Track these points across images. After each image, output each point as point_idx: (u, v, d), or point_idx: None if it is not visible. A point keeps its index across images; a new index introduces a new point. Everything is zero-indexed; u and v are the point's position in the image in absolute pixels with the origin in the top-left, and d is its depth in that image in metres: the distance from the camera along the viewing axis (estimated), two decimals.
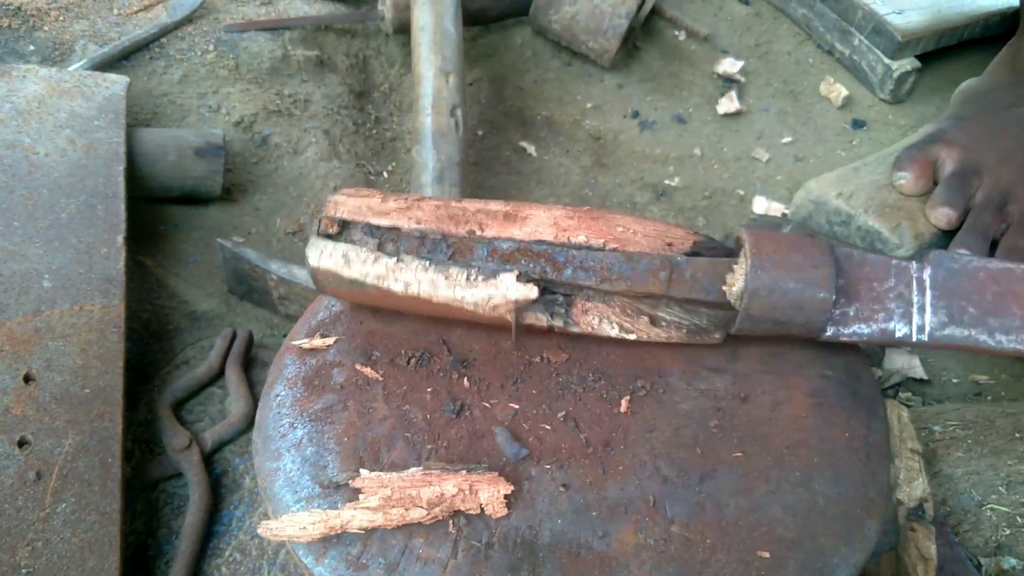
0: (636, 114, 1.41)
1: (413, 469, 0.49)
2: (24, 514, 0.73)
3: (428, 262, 0.54)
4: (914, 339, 0.54)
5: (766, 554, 0.47)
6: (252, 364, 0.97)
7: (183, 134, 1.07)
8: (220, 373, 0.96)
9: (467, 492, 0.48)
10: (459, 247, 0.55)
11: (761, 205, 1.30)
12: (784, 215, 1.27)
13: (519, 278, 0.54)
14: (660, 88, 1.45)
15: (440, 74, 1.19)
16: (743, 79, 1.48)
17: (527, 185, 1.29)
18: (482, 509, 0.48)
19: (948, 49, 1.50)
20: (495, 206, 0.57)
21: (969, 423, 0.92)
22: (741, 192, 1.33)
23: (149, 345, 0.97)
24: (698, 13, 1.56)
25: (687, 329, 0.56)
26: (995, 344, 0.53)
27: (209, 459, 0.89)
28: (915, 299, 0.54)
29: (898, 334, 0.54)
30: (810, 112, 1.47)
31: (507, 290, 0.53)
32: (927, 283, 0.54)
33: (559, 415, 0.54)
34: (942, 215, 1.15)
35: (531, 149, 1.34)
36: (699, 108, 1.44)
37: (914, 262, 0.54)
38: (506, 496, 0.49)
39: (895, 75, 1.44)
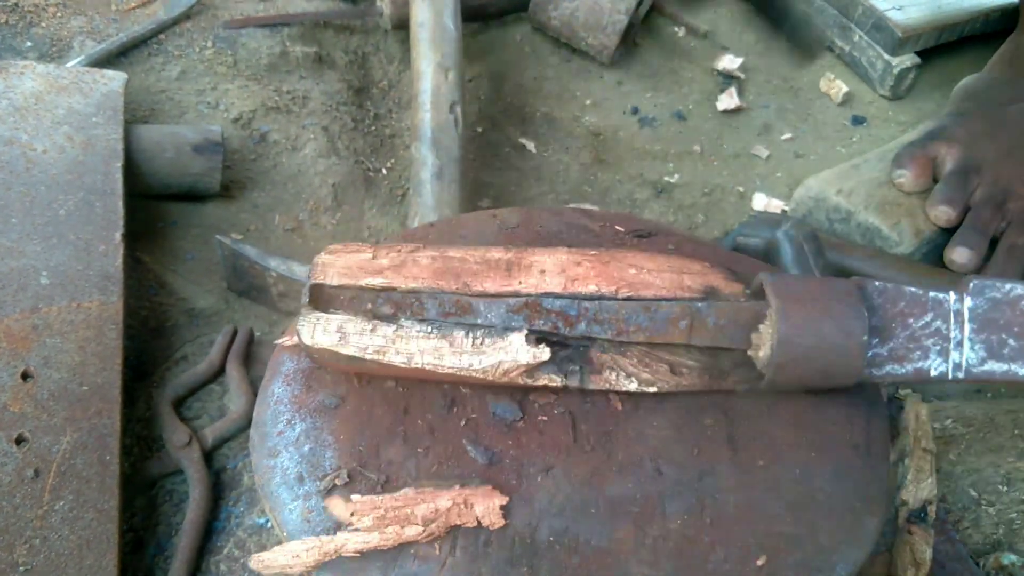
0: (636, 111, 1.41)
1: (405, 489, 0.48)
2: (22, 512, 0.73)
3: (429, 327, 0.52)
4: (950, 376, 0.51)
5: (763, 557, 0.47)
6: (253, 361, 0.97)
7: (181, 131, 1.07)
8: (221, 370, 0.96)
9: (462, 506, 0.47)
10: (462, 307, 0.53)
11: (761, 202, 1.30)
12: (784, 212, 1.27)
13: (528, 339, 0.52)
14: (660, 85, 1.45)
15: (439, 70, 1.19)
16: (743, 76, 1.48)
17: (526, 182, 1.29)
18: (479, 522, 0.47)
19: (948, 45, 1.50)
20: (496, 254, 0.55)
21: (969, 420, 0.92)
22: (741, 189, 1.33)
23: (147, 342, 0.97)
24: (698, 9, 1.56)
25: (709, 375, 0.55)
26: None
27: (210, 456, 0.89)
28: (953, 334, 0.51)
29: (934, 373, 0.52)
30: (810, 109, 1.46)
31: (517, 353, 0.51)
32: (966, 316, 0.51)
33: (557, 411, 0.54)
34: (942, 213, 1.15)
35: (530, 146, 1.34)
36: (699, 105, 1.44)
37: (952, 293, 0.52)
38: (502, 507, 0.48)
39: (895, 71, 1.44)
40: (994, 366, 0.51)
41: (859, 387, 0.57)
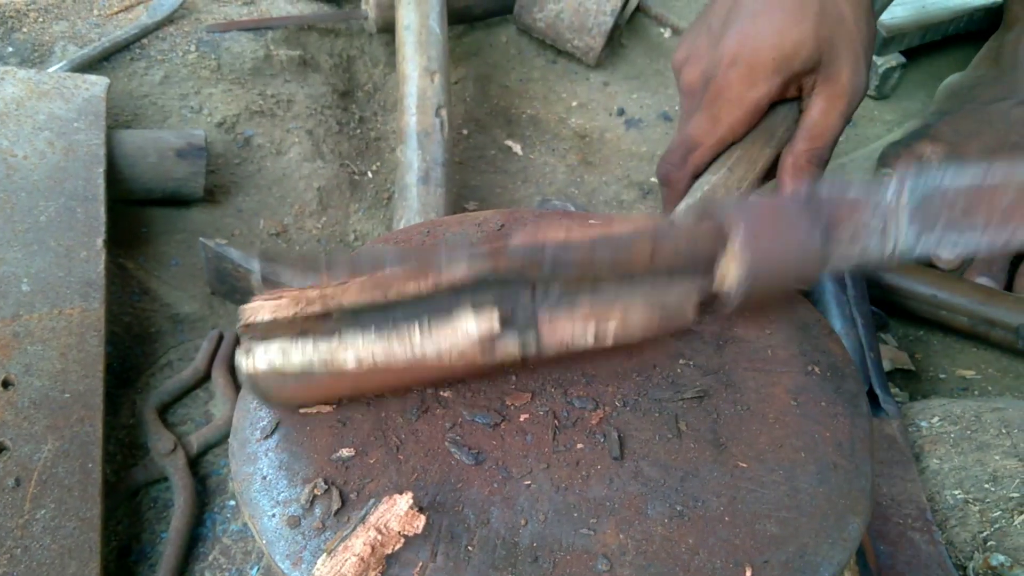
0: (622, 112, 1.41)
1: (319, 562, 0.45)
2: (3, 521, 0.72)
3: (371, 326, 0.50)
4: (884, 262, 0.58)
5: (749, 569, 0.47)
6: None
7: (164, 135, 1.06)
8: (206, 376, 0.95)
9: (381, 534, 0.46)
10: (403, 301, 0.51)
11: None
12: None
13: (474, 306, 0.50)
14: (646, 86, 1.45)
15: (425, 73, 1.18)
16: None
17: (512, 184, 1.29)
18: (404, 537, 0.46)
19: (932, 44, 1.51)
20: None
21: (956, 418, 0.92)
22: None
23: (131, 348, 0.96)
24: (683, 10, 1.56)
25: (659, 314, 0.55)
26: (952, 256, 0.57)
27: (195, 463, 0.89)
28: (891, 227, 0.57)
29: (872, 260, 0.57)
30: None
31: (468, 326, 0.50)
32: (905, 208, 0.57)
33: (541, 412, 0.53)
34: None
35: (517, 148, 1.34)
36: None
37: (892, 185, 0.57)
38: (412, 505, 0.47)
39: (880, 71, 1.44)
40: (923, 247, 0.57)
41: (842, 386, 0.57)
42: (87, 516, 0.75)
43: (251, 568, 0.80)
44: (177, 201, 1.09)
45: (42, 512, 0.74)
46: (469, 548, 0.47)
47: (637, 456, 0.51)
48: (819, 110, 0.88)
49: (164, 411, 0.92)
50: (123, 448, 0.88)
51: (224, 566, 0.81)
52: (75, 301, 0.87)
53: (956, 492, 0.85)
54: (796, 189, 0.60)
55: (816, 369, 0.57)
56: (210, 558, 0.81)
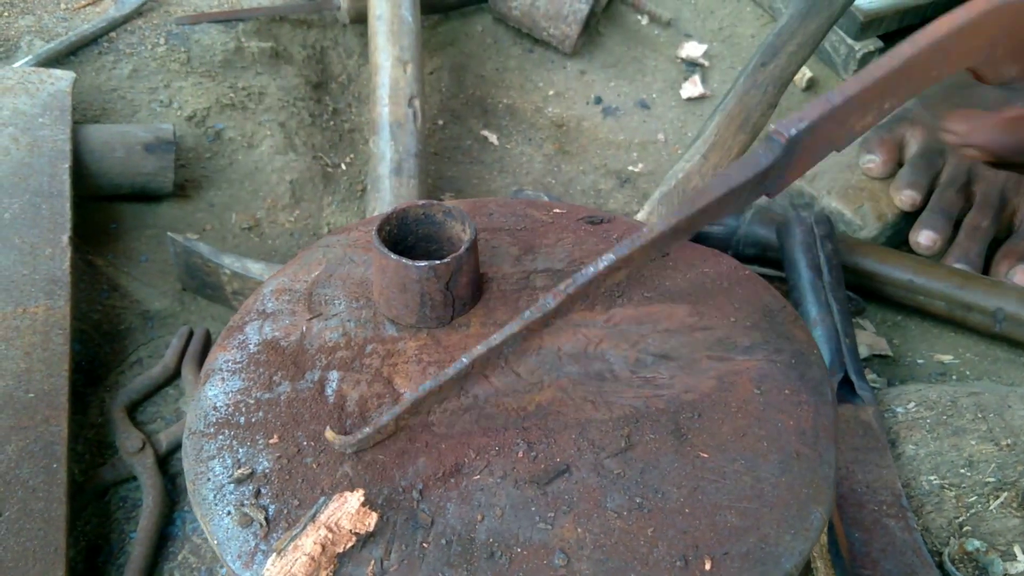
0: (599, 100, 1.40)
1: (269, 562, 0.44)
2: None
3: None
4: None
5: (709, 561, 0.46)
6: None
7: (132, 130, 1.05)
8: (176, 373, 0.94)
9: (332, 532, 0.45)
10: None
11: None
12: None
13: None
14: (623, 74, 1.44)
15: (398, 64, 1.17)
16: (707, 63, 1.47)
17: (489, 174, 1.28)
18: (356, 535, 0.45)
19: (911, 28, 1.50)
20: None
21: (932, 404, 0.91)
22: None
23: (100, 346, 0.95)
24: None
25: None
26: None
27: (164, 461, 0.88)
28: None
29: None
30: None
31: None
32: None
33: (504, 404, 0.52)
34: (907, 197, 1.15)
35: (493, 138, 1.32)
36: (662, 93, 1.43)
37: None
38: (364, 503, 0.46)
39: (858, 55, 1.44)
40: None
41: (806, 373, 0.56)
42: (52, 517, 0.74)
43: (221, 567, 0.79)
44: (147, 196, 1.08)
45: (6, 513, 0.73)
46: (424, 545, 0.46)
47: (597, 448, 0.51)
48: None
49: (133, 409, 0.90)
50: (92, 447, 0.87)
51: (194, 565, 0.80)
52: (40, 299, 0.85)
53: (932, 478, 0.85)
54: None
55: (780, 356, 0.56)
56: (180, 557, 0.80)
